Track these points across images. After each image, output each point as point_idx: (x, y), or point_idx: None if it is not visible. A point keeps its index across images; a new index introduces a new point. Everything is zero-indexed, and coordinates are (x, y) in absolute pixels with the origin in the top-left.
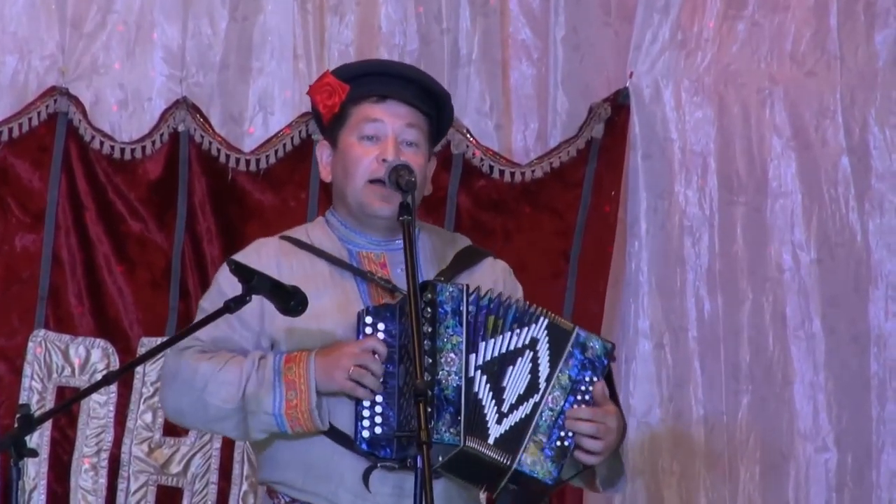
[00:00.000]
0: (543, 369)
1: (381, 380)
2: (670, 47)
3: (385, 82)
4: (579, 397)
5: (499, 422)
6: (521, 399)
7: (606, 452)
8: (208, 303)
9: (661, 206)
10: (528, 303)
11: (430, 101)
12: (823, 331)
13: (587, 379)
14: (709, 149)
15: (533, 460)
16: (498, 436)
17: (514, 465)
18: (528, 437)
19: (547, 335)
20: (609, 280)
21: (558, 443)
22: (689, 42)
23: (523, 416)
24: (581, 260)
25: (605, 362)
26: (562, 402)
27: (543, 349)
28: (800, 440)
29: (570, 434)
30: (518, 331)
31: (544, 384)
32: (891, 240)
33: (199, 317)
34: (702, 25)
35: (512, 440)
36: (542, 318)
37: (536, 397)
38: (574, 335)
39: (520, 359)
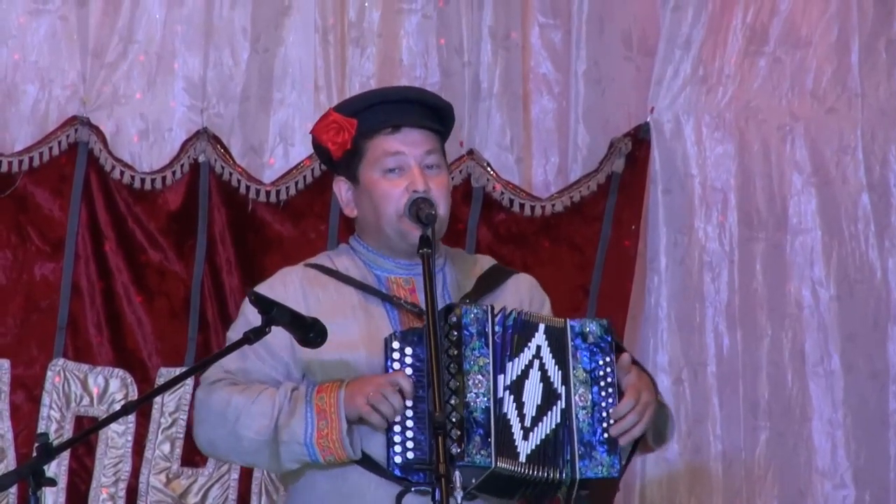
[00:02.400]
0: (554, 374)
1: (407, 407)
2: (691, 83)
3: (392, 111)
4: (602, 384)
5: (525, 437)
6: (542, 410)
7: (651, 420)
8: (235, 333)
9: (681, 241)
10: (528, 313)
11: (436, 117)
12: (842, 367)
13: (601, 363)
14: (729, 184)
15: (593, 463)
16: (529, 452)
17: (577, 476)
18: (576, 443)
19: (546, 340)
20: (628, 315)
21: (605, 435)
22: (711, 78)
23: (554, 425)
24: (600, 294)
25: (609, 339)
26: (589, 397)
27: (547, 354)
28: (818, 477)
29: (612, 422)
30: (529, 344)
31: (563, 388)
32: None
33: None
34: (723, 61)
35: (551, 453)
36: (540, 325)
37: (560, 403)
38: (568, 328)
39: (531, 371)
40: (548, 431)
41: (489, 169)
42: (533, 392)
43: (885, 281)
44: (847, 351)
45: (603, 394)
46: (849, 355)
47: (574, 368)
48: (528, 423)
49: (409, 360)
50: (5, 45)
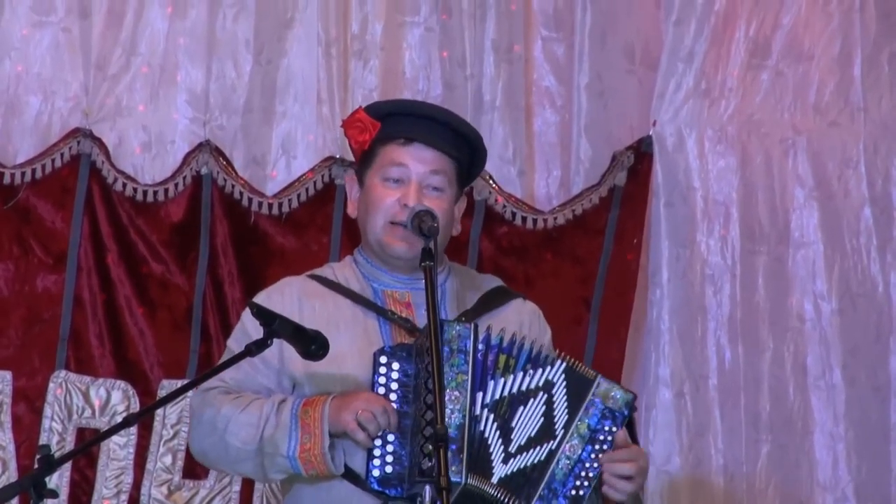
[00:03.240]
0: (560, 415)
1: (384, 430)
2: (694, 96)
3: (413, 124)
4: (597, 447)
5: (505, 461)
6: (533, 442)
7: (634, 493)
8: (234, 342)
9: (683, 254)
10: (542, 346)
11: (460, 143)
12: (844, 381)
13: (606, 428)
14: (731, 198)
15: None
16: (503, 475)
17: None
18: (543, 484)
19: (565, 380)
20: (630, 328)
21: (573, 492)
22: (713, 91)
23: (537, 461)
24: (602, 307)
25: (626, 413)
26: (579, 451)
27: (560, 394)
28: (819, 490)
29: (586, 483)
30: (532, 371)
31: (562, 431)
32: None
33: (225, 356)
34: (725, 74)
35: (522, 483)
36: (559, 362)
37: (552, 444)
38: (596, 384)
39: (532, 400)
40: (528, 463)
41: (491, 182)
42: (528, 421)
43: (886, 295)
44: (849, 364)
45: (592, 455)
46: (850, 369)
47: (580, 420)
48: (512, 448)
49: (395, 374)
50: (8, 56)
